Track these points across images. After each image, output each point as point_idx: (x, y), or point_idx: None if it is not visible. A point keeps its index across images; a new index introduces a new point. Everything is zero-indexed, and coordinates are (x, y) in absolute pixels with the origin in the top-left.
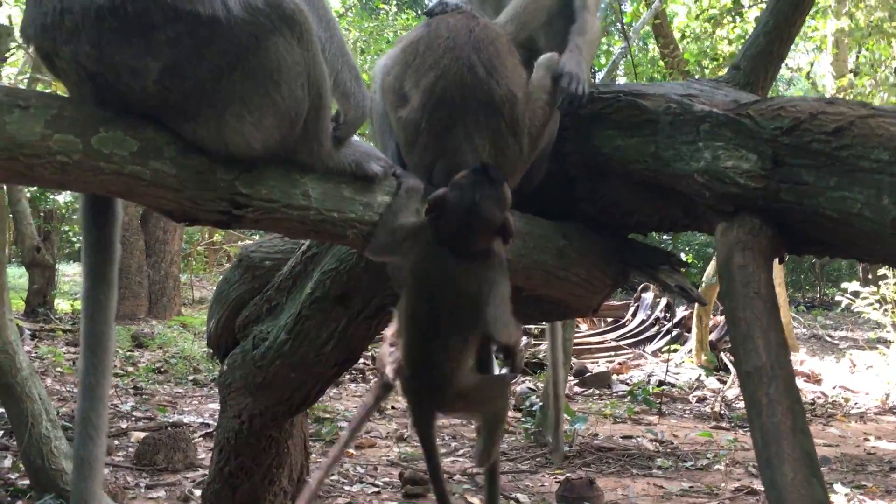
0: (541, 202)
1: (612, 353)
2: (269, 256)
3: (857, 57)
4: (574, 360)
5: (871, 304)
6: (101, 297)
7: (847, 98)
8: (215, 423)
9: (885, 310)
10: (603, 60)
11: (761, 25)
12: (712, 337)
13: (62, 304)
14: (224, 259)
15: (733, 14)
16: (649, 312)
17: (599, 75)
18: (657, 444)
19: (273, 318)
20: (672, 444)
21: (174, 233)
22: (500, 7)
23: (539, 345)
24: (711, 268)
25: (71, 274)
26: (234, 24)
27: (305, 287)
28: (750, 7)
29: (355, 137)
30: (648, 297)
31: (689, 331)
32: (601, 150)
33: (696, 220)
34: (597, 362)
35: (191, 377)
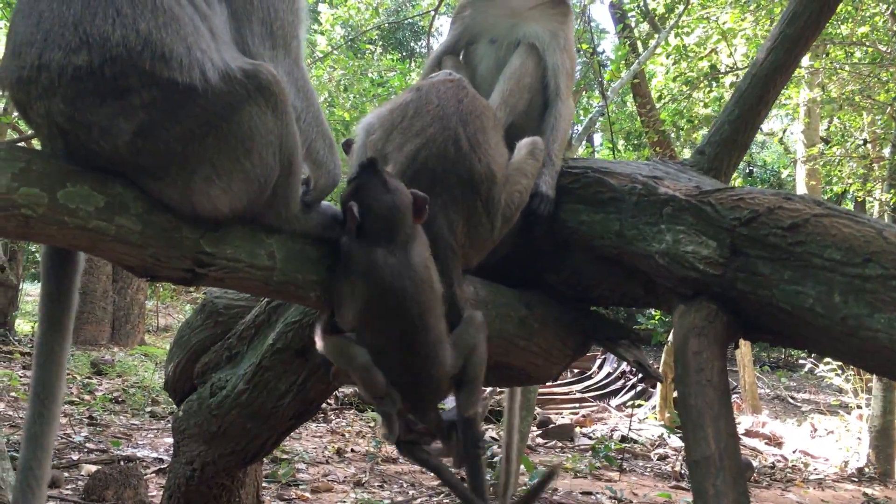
0: (504, 271)
1: (577, 405)
2: (233, 304)
3: (829, 126)
4: (538, 409)
5: (834, 370)
6: (54, 346)
7: (817, 166)
8: (170, 459)
9: (847, 376)
10: (581, 115)
11: (726, 114)
12: (676, 394)
13: (23, 326)
14: (194, 287)
15: (710, 79)
16: (615, 366)
17: (577, 128)
18: (616, 503)
19: (232, 366)
20: (631, 503)
21: None
22: (473, 76)
23: (502, 393)
24: None
25: (35, 294)
26: (210, 93)
27: (267, 337)
28: (726, 73)
29: (324, 202)
30: None
31: (654, 386)
32: (567, 223)
33: (656, 299)
34: (561, 413)
35: (148, 409)
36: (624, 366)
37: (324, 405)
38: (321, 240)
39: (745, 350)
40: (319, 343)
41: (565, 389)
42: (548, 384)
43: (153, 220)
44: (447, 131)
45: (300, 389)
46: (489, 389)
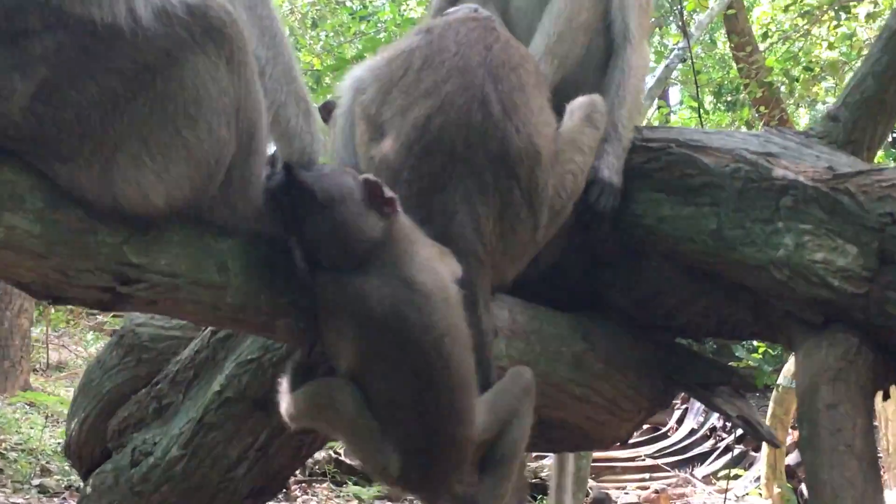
0: (553, 288)
1: (647, 476)
2: (162, 334)
3: None
4: (592, 482)
5: None
6: None
7: None
8: None
9: None
10: (652, 62)
11: (870, 63)
12: (790, 461)
13: None
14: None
15: (836, 8)
16: (701, 420)
17: (647, 81)
18: None
19: (163, 423)
20: None
21: None
22: (505, 13)
23: (543, 458)
24: (793, 363)
25: None
26: (139, 38)
27: (212, 383)
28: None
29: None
30: None
31: (757, 449)
32: (642, 220)
33: (769, 329)
34: (624, 488)
35: (36, 481)
36: (715, 419)
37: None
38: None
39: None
40: (286, 404)
41: (630, 453)
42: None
43: (58, 220)
44: (471, 90)
45: (259, 456)
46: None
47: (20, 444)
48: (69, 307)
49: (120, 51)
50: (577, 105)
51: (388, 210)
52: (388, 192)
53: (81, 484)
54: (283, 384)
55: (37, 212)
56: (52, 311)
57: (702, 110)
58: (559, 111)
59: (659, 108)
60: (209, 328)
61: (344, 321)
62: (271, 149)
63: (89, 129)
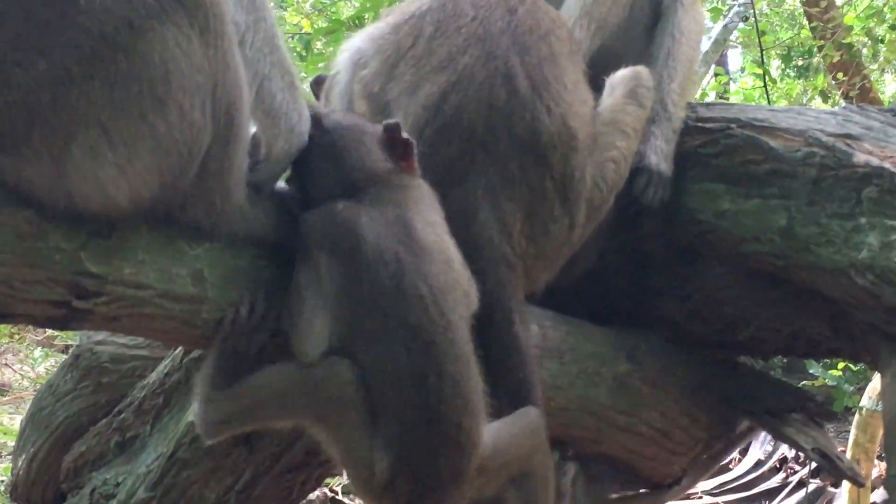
0: (592, 298)
1: None
2: (125, 353)
3: None
4: None
5: None
6: None
7: None
8: None
9: None
10: (710, 23)
11: None
12: (876, 498)
13: None
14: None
15: None
16: (769, 449)
17: (703, 45)
18: None
19: (127, 459)
20: None
21: None
22: None
23: None
24: (878, 381)
25: None
26: (97, 5)
27: (186, 411)
28: None
29: (282, 182)
30: None
31: (836, 484)
32: (697, 215)
33: (850, 345)
34: None
35: None
36: (786, 448)
37: None
38: (282, 250)
39: None
40: (216, 408)
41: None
42: None
43: (2, 222)
44: (493, 62)
45: (242, 500)
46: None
47: None
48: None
49: (73, 21)
50: (619, 79)
51: (403, 154)
52: (406, 135)
53: None
54: (206, 384)
55: None
56: None
57: (767, 78)
58: (597, 86)
59: (716, 76)
60: (181, 347)
61: (330, 265)
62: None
63: (38, 114)
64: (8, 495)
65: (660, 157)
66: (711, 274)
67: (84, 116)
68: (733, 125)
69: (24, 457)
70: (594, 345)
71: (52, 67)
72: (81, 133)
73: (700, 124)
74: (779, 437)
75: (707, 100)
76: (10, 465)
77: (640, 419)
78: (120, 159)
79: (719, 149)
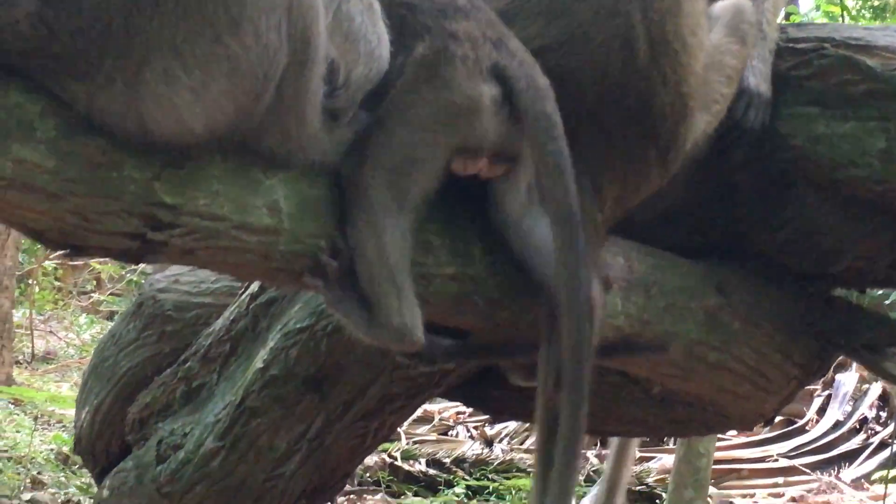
0: (678, 230)
1: (781, 481)
2: (189, 300)
3: None
4: (713, 490)
5: None
6: None
7: None
8: None
9: None
10: None
11: None
12: None
13: None
14: (90, 284)
15: None
16: (848, 409)
17: None
18: None
19: (194, 409)
20: None
21: (5, 236)
22: None
23: (649, 460)
24: None
25: None
26: None
27: (254, 358)
28: None
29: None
30: (847, 380)
31: None
32: (789, 140)
33: None
34: (753, 495)
35: (27, 495)
36: (866, 408)
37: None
38: None
39: None
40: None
41: (759, 452)
42: (728, 444)
43: (75, 151)
44: (614, 21)
45: (314, 448)
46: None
47: (5, 450)
48: (55, 284)
49: None
50: (722, 10)
51: None
52: None
53: (94, 499)
54: (357, 316)
55: (49, 142)
56: (37, 290)
57: (845, 10)
58: None
59: (788, 15)
60: (248, 292)
61: None
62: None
63: (111, 38)
64: (72, 450)
65: (759, 78)
66: (805, 202)
67: (157, 39)
68: (827, 45)
69: (87, 409)
70: (682, 278)
71: None
72: (155, 57)
73: (791, 45)
74: (877, 371)
75: None
76: (59, 433)
77: (732, 355)
78: (195, 83)
79: (812, 70)
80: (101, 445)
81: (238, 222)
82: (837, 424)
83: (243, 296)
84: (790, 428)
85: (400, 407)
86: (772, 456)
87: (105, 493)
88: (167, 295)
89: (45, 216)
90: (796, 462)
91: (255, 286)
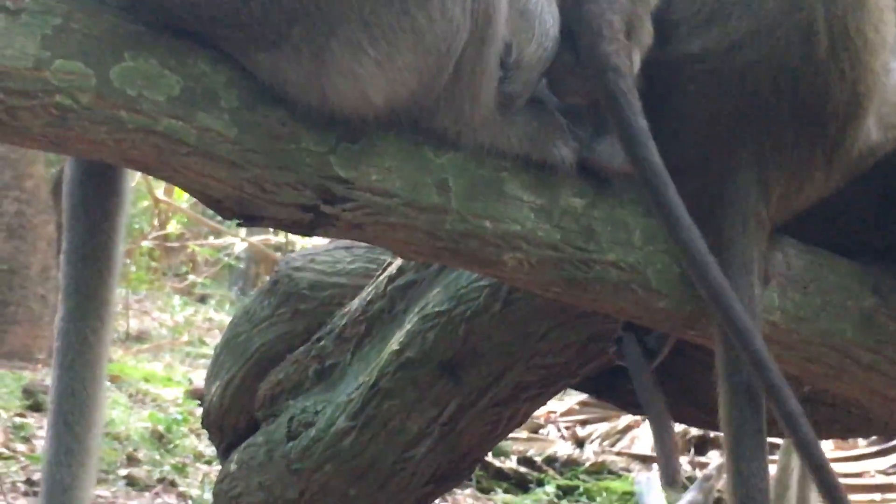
0: (835, 229)
1: (879, 498)
2: (325, 281)
3: None
4: None
5: None
6: (86, 330)
7: None
8: None
9: None
10: None
11: None
12: None
13: None
14: (187, 267)
15: None
16: None
17: None
18: None
19: (326, 388)
20: None
21: None
22: None
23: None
24: None
25: None
26: None
27: (389, 340)
28: None
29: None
30: None
31: None
32: None
33: None
34: None
35: (124, 472)
36: None
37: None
38: (527, 162)
39: None
40: None
41: (856, 467)
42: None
43: (256, 121)
44: (797, 13)
45: (446, 432)
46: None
47: (103, 427)
48: (151, 264)
49: None
50: None
51: None
52: None
53: (219, 475)
54: None
55: (232, 112)
56: (133, 270)
57: None
58: None
59: None
60: (385, 274)
61: None
62: None
63: (301, 6)
64: (201, 423)
65: None
66: None
67: (346, 9)
68: None
69: (217, 384)
70: (839, 276)
71: None
72: (343, 27)
73: None
74: None
75: None
76: (153, 412)
77: (885, 357)
78: (380, 55)
79: None
80: (229, 420)
81: (407, 199)
82: None
83: (381, 277)
84: (888, 444)
85: (535, 395)
86: (869, 472)
87: (233, 466)
88: (303, 274)
89: (225, 185)
90: (894, 479)
91: (393, 268)
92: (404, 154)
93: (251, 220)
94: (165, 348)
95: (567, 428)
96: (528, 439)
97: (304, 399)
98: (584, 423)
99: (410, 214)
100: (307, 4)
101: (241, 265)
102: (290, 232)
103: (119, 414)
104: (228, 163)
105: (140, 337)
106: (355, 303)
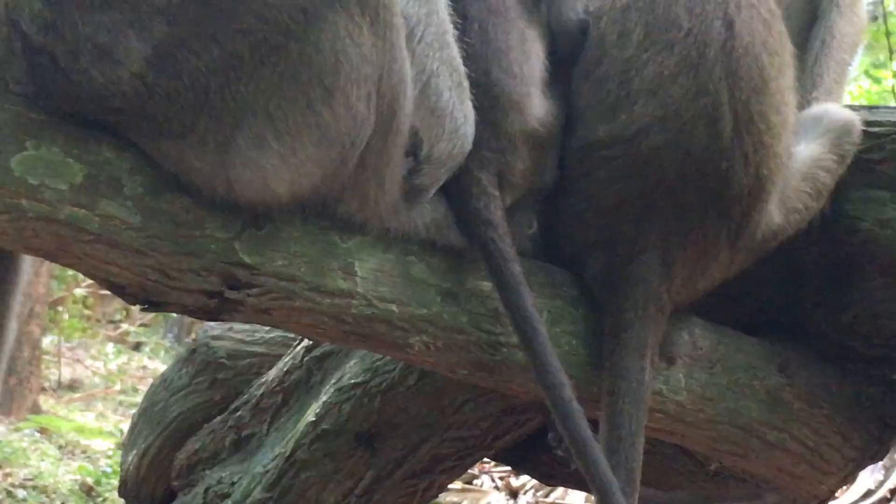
0: (742, 307)
1: None
2: (243, 350)
3: None
4: None
5: None
6: None
7: None
8: None
9: None
10: None
11: None
12: None
13: None
14: (121, 315)
15: None
16: (880, 478)
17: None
18: None
19: (243, 458)
20: None
21: (40, 262)
22: None
23: None
24: None
25: None
26: None
27: (306, 411)
28: None
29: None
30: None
31: None
32: (858, 224)
33: None
34: None
35: None
36: None
37: None
38: (433, 247)
39: None
40: None
41: None
42: None
43: (160, 208)
44: (702, 98)
45: (363, 503)
46: None
47: (30, 479)
48: (84, 311)
49: (249, 8)
50: (830, 123)
51: None
52: None
53: None
54: None
55: (136, 199)
56: (66, 317)
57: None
58: None
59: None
60: (302, 344)
61: None
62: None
63: (207, 100)
64: (118, 492)
65: None
66: (870, 286)
67: (252, 104)
68: None
69: (134, 452)
70: (745, 355)
71: (225, 55)
72: (248, 121)
73: (865, 128)
74: None
75: None
76: (83, 465)
77: (791, 436)
78: (284, 149)
79: (885, 154)
80: (146, 489)
81: (313, 284)
82: (868, 493)
83: (298, 348)
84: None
85: (450, 467)
86: None
87: None
88: (221, 342)
89: (129, 271)
90: None
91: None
92: (310, 239)
93: (156, 305)
94: (98, 397)
95: (501, 478)
96: (462, 490)
97: (221, 469)
98: (517, 473)
99: (316, 299)
100: (213, 98)
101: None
102: (196, 318)
103: (48, 466)
104: (132, 250)
105: (72, 385)
106: (272, 372)
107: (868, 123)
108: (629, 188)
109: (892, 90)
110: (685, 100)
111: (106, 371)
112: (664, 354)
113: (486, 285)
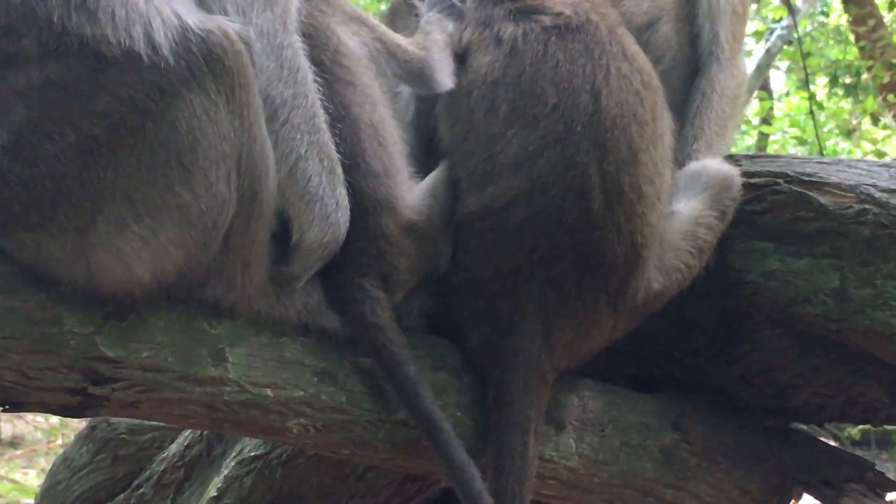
0: (634, 363)
1: None
2: (144, 426)
3: None
4: None
5: None
6: None
7: None
8: None
9: None
10: (752, 45)
11: None
12: None
13: None
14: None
15: None
16: None
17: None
18: None
19: None
20: None
21: None
22: None
23: None
24: None
25: None
26: (127, 70)
27: (208, 485)
28: None
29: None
30: None
31: None
32: (743, 276)
33: None
34: None
35: None
36: None
37: None
38: (305, 330)
39: None
40: None
41: None
42: None
43: (14, 307)
44: (570, 171)
45: None
46: None
47: None
48: None
49: (105, 88)
50: (709, 179)
51: None
52: None
53: None
54: None
55: None
56: None
57: (812, 100)
58: None
59: (759, 100)
60: None
61: None
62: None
63: (65, 187)
64: None
65: None
66: (761, 337)
67: (111, 188)
68: (780, 180)
69: None
70: (638, 415)
71: (81, 138)
72: (108, 204)
73: (745, 179)
74: None
75: (753, 122)
76: None
77: (689, 492)
78: (145, 231)
79: (766, 205)
80: None
81: (182, 373)
82: None
83: None
84: None
85: None
86: None
87: None
88: (121, 420)
89: None
90: None
91: None
92: (177, 327)
93: (17, 406)
94: (40, 452)
95: None
96: None
97: None
98: None
99: (186, 388)
100: (72, 183)
101: None
102: (61, 416)
103: None
104: None
105: (14, 442)
106: (174, 447)
107: (748, 175)
108: (503, 259)
109: (811, 112)
110: (553, 173)
111: (48, 425)
112: (553, 420)
113: (365, 361)
